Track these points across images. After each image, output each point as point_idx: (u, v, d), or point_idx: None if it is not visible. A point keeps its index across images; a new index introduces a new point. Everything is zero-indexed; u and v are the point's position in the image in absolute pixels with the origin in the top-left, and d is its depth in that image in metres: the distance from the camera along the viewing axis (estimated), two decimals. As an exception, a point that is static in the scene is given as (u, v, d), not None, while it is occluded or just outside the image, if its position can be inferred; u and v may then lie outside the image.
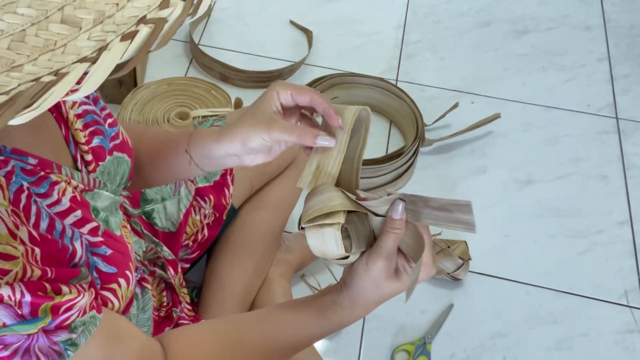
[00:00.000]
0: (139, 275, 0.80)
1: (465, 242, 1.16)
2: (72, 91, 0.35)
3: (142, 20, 0.36)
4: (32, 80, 0.34)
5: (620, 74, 1.59)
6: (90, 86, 0.34)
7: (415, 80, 1.54)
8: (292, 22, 1.65)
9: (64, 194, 0.55)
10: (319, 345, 1.07)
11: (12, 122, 0.34)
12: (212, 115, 1.30)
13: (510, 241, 1.25)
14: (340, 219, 0.56)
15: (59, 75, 0.34)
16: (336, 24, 1.67)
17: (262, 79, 1.49)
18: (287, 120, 0.62)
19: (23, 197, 0.51)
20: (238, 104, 1.38)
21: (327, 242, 0.56)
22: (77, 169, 0.61)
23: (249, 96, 1.41)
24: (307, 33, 1.62)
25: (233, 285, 1.00)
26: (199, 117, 1.32)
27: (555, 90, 1.54)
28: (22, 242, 0.48)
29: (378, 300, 0.62)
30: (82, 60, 0.35)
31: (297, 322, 0.64)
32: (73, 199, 0.55)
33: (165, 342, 0.62)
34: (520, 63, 1.60)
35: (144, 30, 0.35)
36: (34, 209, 0.51)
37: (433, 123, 1.41)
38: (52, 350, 0.48)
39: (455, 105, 1.43)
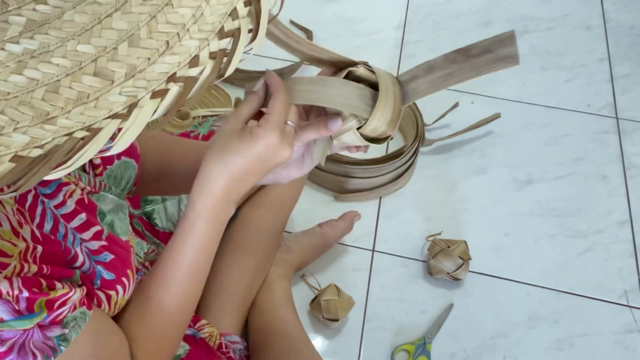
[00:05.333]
0: (139, 277, 0.80)
1: (465, 242, 1.16)
2: (103, 150, 0.35)
3: (172, 77, 0.36)
4: (66, 135, 0.34)
5: (620, 74, 1.59)
6: (121, 145, 0.35)
7: (415, 80, 1.54)
8: (292, 22, 1.65)
9: (70, 195, 0.55)
10: (319, 345, 1.07)
11: (46, 178, 0.34)
12: (212, 115, 1.30)
13: (510, 241, 1.25)
14: None
15: (91, 131, 0.35)
16: (336, 24, 1.67)
17: (262, 79, 1.49)
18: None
19: (30, 196, 0.51)
20: (238, 104, 1.38)
21: None
22: (84, 171, 0.62)
23: (249, 96, 1.41)
24: (307, 33, 1.62)
25: (233, 285, 1.00)
26: (199, 117, 1.32)
27: (555, 90, 1.54)
28: (24, 240, 0.49)
29: (231, 161, 0.55)
30: (114, 116, 0.35)
31: (176, 243, 0.60)
32: (80, 202, 0.56)
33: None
34: (520, 63, 1.60)
35: (174, 89, 0.36)
36: (39, 209, 0.52)
37: (433, 123, 1.41)
38: (46, 345, 0.49)
39: (455, 105, 1.43)
